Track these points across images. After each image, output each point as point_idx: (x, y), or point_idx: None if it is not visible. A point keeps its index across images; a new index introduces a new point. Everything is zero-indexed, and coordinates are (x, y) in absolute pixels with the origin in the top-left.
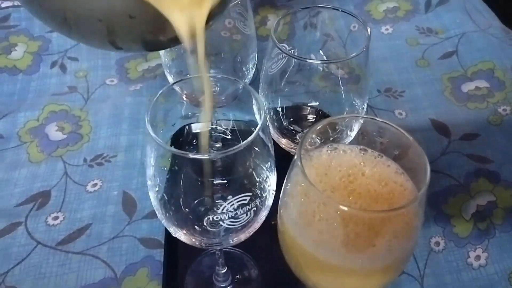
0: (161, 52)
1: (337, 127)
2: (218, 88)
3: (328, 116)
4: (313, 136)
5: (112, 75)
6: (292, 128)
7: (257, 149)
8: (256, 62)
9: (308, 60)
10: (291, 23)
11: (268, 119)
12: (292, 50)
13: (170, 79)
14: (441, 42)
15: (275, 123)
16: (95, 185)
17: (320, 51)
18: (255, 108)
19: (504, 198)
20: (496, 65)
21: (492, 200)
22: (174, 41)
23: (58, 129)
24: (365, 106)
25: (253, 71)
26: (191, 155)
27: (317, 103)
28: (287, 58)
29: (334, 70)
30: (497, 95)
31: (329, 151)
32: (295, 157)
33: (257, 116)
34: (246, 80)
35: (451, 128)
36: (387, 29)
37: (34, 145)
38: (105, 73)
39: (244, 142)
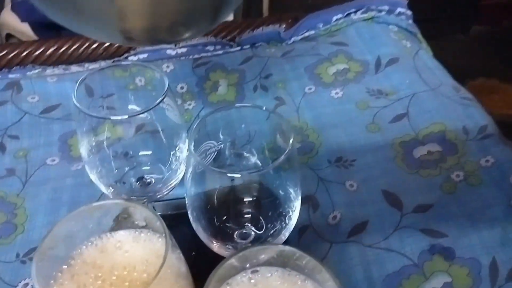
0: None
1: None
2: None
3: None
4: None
5: (54, 153)
6: (227, 226)
7: None
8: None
9: (228, 174)
10: (240, 85)
11: (194, 218)
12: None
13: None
14: (391, 104)
15: (204, 222)
16: (26, 285)
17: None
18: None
19: (460, 278)
20: (448, 126)
21: (448, 281)
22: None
23: None
24: (298, 204)
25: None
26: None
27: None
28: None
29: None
30: (450, 160)
31: (250, 275)
32: None
33: None
34: (179, 166)
35: (403, 199)
36: (337, 93)
37: None
38: (46, 151)
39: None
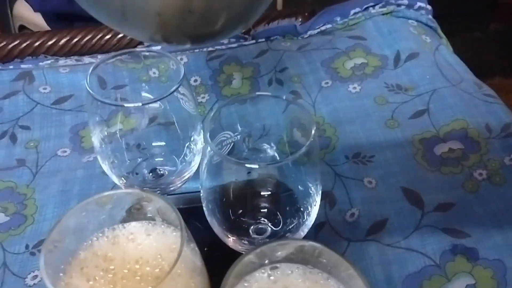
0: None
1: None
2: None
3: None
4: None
5: (65, 145)
6: (242, 220)
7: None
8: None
9: (246, 165)
10: (255, 78)
11: (209, 212)
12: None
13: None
14: (411, 100)
15: (219, 216)
16: (35, 277)
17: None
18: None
19: (484, 280)
20: (470, 123)
21: (471, 283)
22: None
23: (1, 210)
24: (318, 199)
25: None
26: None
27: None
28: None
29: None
30: (472, 158)
31: (270, 272)
32: None
33: None
34: (193, 158)
35: (424, 197)
36: (354, 88)
37: None
38: (58, 142)
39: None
